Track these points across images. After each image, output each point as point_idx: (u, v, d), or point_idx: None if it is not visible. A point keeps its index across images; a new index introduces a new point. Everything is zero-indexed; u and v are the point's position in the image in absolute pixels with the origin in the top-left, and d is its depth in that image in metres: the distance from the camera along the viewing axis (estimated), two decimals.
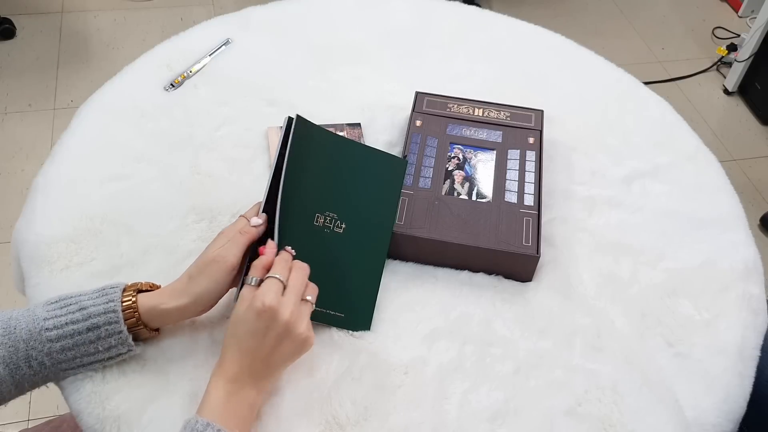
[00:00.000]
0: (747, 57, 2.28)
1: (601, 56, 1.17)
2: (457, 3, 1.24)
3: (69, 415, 0.87)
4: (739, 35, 2.50)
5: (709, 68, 2.50)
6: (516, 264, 0.82)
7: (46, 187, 0.89)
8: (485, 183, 0.87)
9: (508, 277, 0.84)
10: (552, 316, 0.81)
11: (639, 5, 2.75)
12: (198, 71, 1.06)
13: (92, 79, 2.19)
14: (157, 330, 0.73)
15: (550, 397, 0.74)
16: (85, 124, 0.97)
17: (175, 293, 0.70)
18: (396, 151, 0.96)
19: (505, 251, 0.80)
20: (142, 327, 0.70)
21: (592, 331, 0.80)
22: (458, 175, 0.88)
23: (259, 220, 0.72)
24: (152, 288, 0.73)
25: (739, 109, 2.37)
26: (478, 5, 1.29)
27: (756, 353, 0.80)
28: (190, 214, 0.87)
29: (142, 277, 0.80)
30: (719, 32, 2.62)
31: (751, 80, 2.33)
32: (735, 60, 2.36)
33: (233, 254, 0.69)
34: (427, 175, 0.88)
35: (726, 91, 2.41)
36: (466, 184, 0.87)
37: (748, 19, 2.66)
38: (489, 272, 0.84)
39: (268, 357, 0.65)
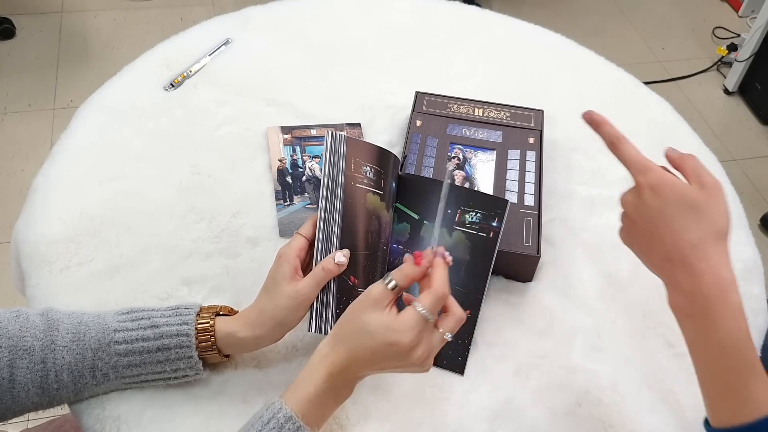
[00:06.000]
0: (747, 57, 2.28)
1: (601, 56, 1.17)
2: (457, 3, 1.24)
3: (71, 415, 0.87)
4: (739, 35, 2.50)
5: (709, 68, 2.50)
6: (516, 264, 0.82)
7: (46, 187, 0.88)
8: (485, 183, 0.87)
9: (508, 277, 0.84)
10: (552, 316, 0.81)
11: (639, 5, 2.75)
12: (198, 71, 1.06)
13: (92, 79, 2.18)
14: (227, 356, 0.71)
15: (550, 397, 0.74)
16: (84, 124, 0.97)
17: (249, 324, 0.67)
18: (396, 150, 0.96)
19: (505, 251, 0.80)
20: (215, 352, 0.68)
21: (593, 331, 0.80)
22: (458, 175, 0.88)
23: (343, 258, 0.69)
24: (230, 313, 0.71)
25: (739, 109, 2.37)
26: (478, 5, 1.29)
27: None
28: (189, 214, 0.87)
29: (141, 277, 0.80)
30: (719, 32, 2.62)
31: (751, 80, 2.33)
32: (735, 60, 2.36)
33: (312, 292, 0.67)
34: (427, 176, 0.87)
35: (726, 91, 2.41)
36: (467, 184, 0.87)
37: (748, 19, 2.66)
38: None
39: (378, 369, 0.61)
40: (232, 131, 0.98)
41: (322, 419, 0.62)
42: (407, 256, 0.63)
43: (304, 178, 0.92)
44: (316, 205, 0.89)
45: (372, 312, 0.60)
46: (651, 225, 0.59)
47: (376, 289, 0.61)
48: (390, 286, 0.61)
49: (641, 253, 0.63)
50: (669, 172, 0.61)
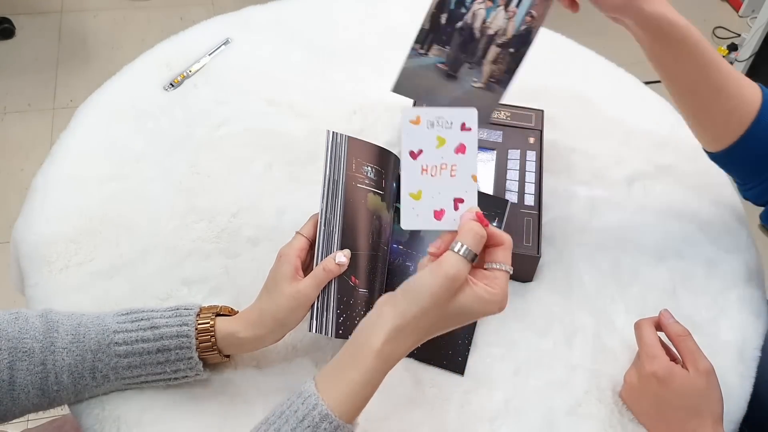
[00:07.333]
0: (747, 57, 2.28)
1: (601, 56, 1.17)
2: None
3: (71, 416, 0.87)
4: (739, 35, 2.50)
5: None
6: (516, 264, 0.81)
7: (46, 187, 0.88)
8: (485, 183, 0.87)
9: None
10: (552, 316, 0.81)
11: None
12: (197, 71, 1.06)
13: (92, 78, 2.16)
14: (228, 357, 0.71)
15: (550, 397, 0.74)
16: (84, 123, 0.97)
17: (250, 324, 0.67)
18: (396, 151, 0.95)
19: None
20: (216, 352, 0.68)
21: (593, 331, 0.80)
22: None
23: (344, 258, 0.69)
24: (230, 313, 0.70)
25: None
26: None
27: (756, 354, 0.80)
28: (189, 214, 0.87)
29: (140, 277, 0.80)
30: (720, 32, 2.62)
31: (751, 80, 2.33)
32: (736, 60, 2.36)
33: (313, 292, 0.67)
34: None
35: None
36: None
37: (748, 18, 2.66)
38: None
39: (449, 327, 0.58)
40: (232, 131, 0.98)
41: (361, 409, 0.60)
42: (443, 234, 0.60)
43: (460, 23, 0.77)
44: (448, 67, 0.80)
45: (461, 294, 0.56)
46: (657, 407, 0.69)
47: (453, 268, 0.55)
48: (469, 257, 0.56)
49: (650, 428, 0.72)
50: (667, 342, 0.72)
